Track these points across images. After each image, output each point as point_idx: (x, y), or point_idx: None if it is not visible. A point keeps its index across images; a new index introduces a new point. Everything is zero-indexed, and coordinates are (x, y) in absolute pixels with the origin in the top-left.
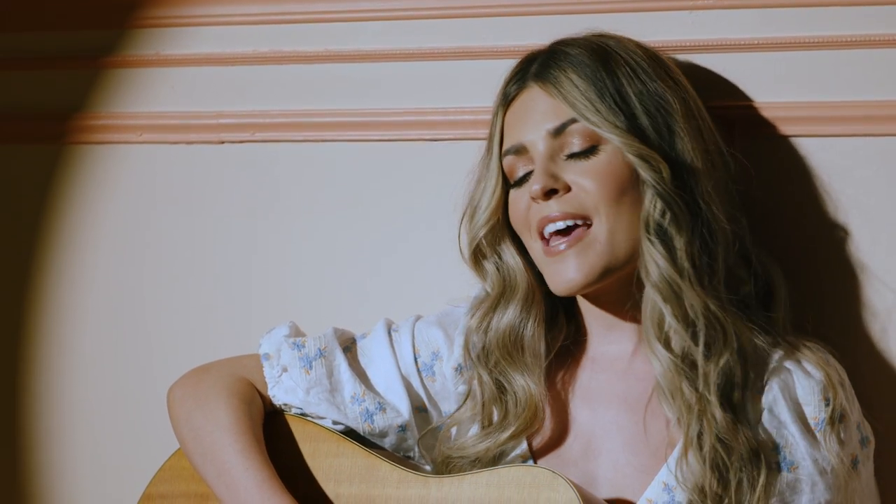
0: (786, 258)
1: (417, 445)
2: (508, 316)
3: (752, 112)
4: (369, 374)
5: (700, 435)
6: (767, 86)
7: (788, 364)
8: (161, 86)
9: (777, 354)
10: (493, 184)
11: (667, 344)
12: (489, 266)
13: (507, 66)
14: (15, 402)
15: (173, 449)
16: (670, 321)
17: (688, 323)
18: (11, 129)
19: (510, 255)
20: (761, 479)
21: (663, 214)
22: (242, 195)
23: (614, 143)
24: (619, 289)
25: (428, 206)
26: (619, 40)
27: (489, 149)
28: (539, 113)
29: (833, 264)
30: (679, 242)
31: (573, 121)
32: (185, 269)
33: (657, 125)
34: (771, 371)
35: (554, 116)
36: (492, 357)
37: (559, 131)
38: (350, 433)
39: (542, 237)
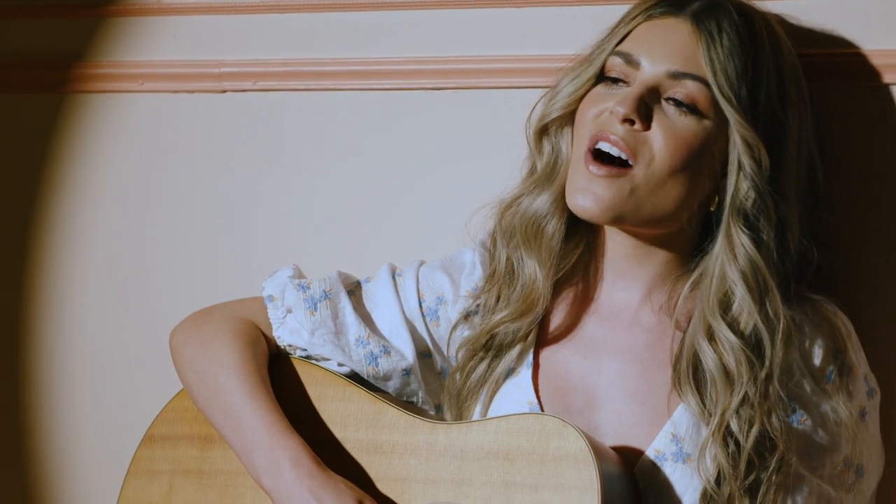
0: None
1: (421, 390)
2: (538, 203)
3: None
4: (374, 317)
5: (739, 433)
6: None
7: (797, 318)
8: (163, 34)
9: (788, 308)
10: (589, 73)
11: (734, 327)
12: (546, 146)
13: (508, 14)
14: (17, 347)
15: (176, 391)
16: (747, 307)
17: (764, 316)
18: (12, 77)
19: (567, 144)
20: (776, 455)
21: (755, 205)
22: (245, 144)
23: (728, 118)
24: (649, 241)
25: (430, 155)
26: (770, 23)
27: (601, 43)
28: (674, 47)
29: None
30: (767, 235)
31: (698, 78)
32: (187, 217)
33: (772, 119)
34: None
35: (684, 61)
36: (514, 235)
37: (678, 77)
38: (354, 377)
39: (591, 147)
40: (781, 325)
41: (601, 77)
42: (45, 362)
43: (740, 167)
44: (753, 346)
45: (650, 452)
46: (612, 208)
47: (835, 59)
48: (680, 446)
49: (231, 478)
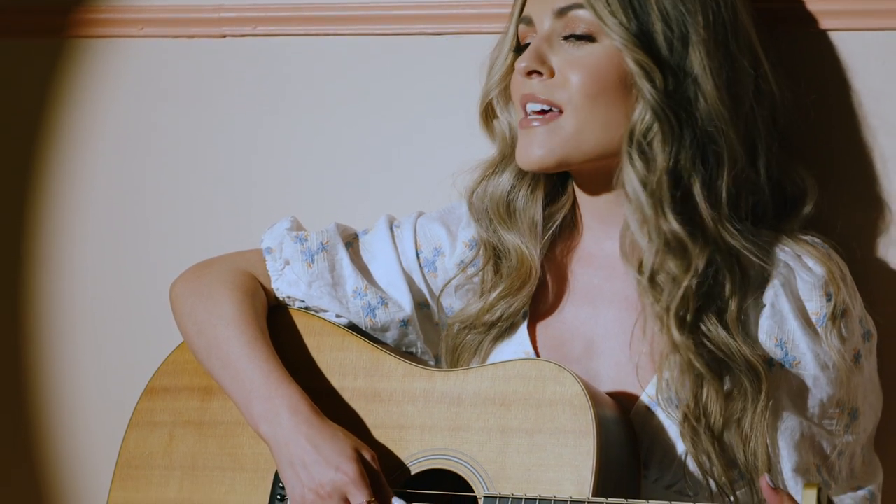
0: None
1: (420, 340)
2: (502, 181)
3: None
4: (371, 269)
5: (679, 354)
6: None
7: (790, 260)
8: None
9: (779, 251)
10: (506, 47)
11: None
12: (497, 126)
13: None
14: (17, 299)
15: (176, 343)
16: (639, 237)
17: (652, 243)
18: (12, 22)
19: (514, 118)
20: (762, 394)
21: (650, 128)
22: (244, 90)
23: (615, 43)
24: (608, 182)
25: (430, 102)
26: None
27: (512, 12)
28: None
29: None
30: (661, 160)
31: (580, 6)
32: (186, 164)
33: (670, 35)
34: (773, 268)
35: None
36: (487, 218)
37: (563, 12)
38: (353, 328)
39: (524, 110)
40: (674, 243)
41: (518, 48)
42: (45, 314)
43: (638, 90)
44: (651, 278)
45: (644, 398)
46: (552, 151)
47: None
48: (672, 391)
49: (231, 428)
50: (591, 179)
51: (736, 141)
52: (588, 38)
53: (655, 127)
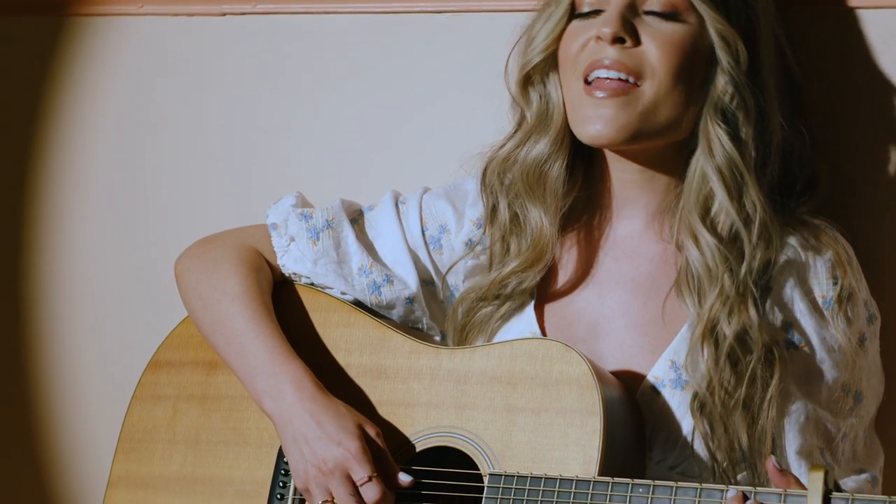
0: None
1: (425, 317)
2: (538, 149)
3: None
4: (377, 246)
5: (721, 329)
6: None
7: (798, 243)
8: None
9: (787, 234)
10: (560, 12)
11: (713, 228)
12: (534, 95)
13: None
14: (18, 275)
15: (181, 318)
16: (725, 206)
17: (742, 212)
18: (11, 0)
19: (555, 88)
20: (775, 377)
21: (732, 100)
22: (245, 68)
23: (703, 16)
24: (653, 161)
25: (431, 79)
26: None
27: None
28: None
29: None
30: (745, 131)
31: None
32: (188, 142)
33: (742, 17)
34: (781, 250)
35: None
36: (514, 188)
37: None
38: (359, 304)
39: (585, 80)
40: (758, 221)
41: (573, 14)
42: (49, 289)
43: (718, 62)
44: (731, 243)
45: (650, 378)
46: (626, 127)
47: None
48: (679, 373)
49: (235, 402)
50: (630, 161)
51: (782, 122)
52: (671, 15)
53: (737, 100)
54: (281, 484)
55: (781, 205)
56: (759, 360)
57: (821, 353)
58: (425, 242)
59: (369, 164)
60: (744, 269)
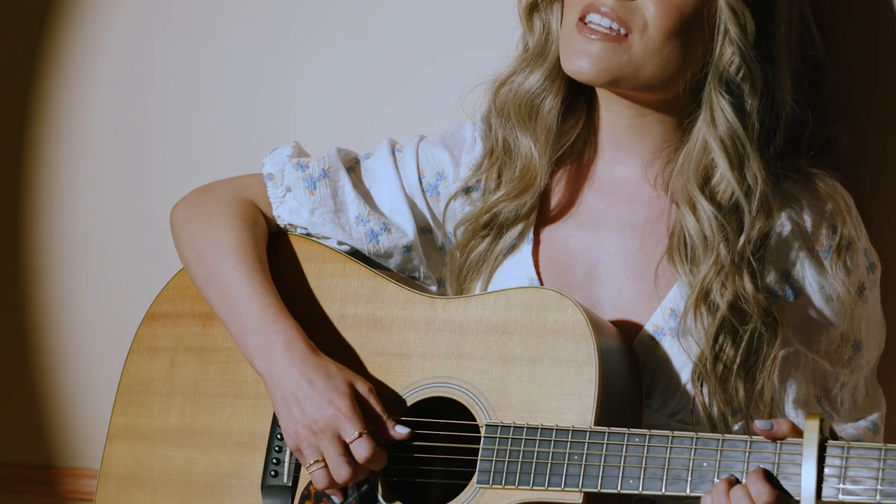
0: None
1: (423, 265)
2: (531, 80)
3: None
4: (373, 194)
5: (713, 299)
6: None
7: (796, 192)
8: None
9: (786, 183)
10: None
11: (712, 197)
12: (537, 22)
13: None
14: (16, 225)
15: (177, 268)
16: (727, 175)
17: (744, 184)
18: None
19: (556, 20)
20: (777, 341)
21: (738, 71)
22: (248, 18)
23: None
24: (645, 110)
25: (434, 35)
26: None
27: None
28: None
29: None
30: (750, 103)
31: None
32: (188, 90)
33: None
34: (780, 199)
35: None
36: (508, 115)
37: None
38: (355, 254)
39: (581, 17)
40: (759, 192)
41: None
42: (45, 239)
43: (725, 32)
44: (731, 213)
45: (648, 327)
46: (608, 71)
47: None
48: (678, 321)
49: (232, 354)
50: (625, 106)
51: (790, 96)
52: None
53: (743, 71)
54: (279, 436)
55: (782, 157)
56: (757, 327)
57: (819, 303)
58: (422, 190)
59: (374, 116)
60: (742, 239)
